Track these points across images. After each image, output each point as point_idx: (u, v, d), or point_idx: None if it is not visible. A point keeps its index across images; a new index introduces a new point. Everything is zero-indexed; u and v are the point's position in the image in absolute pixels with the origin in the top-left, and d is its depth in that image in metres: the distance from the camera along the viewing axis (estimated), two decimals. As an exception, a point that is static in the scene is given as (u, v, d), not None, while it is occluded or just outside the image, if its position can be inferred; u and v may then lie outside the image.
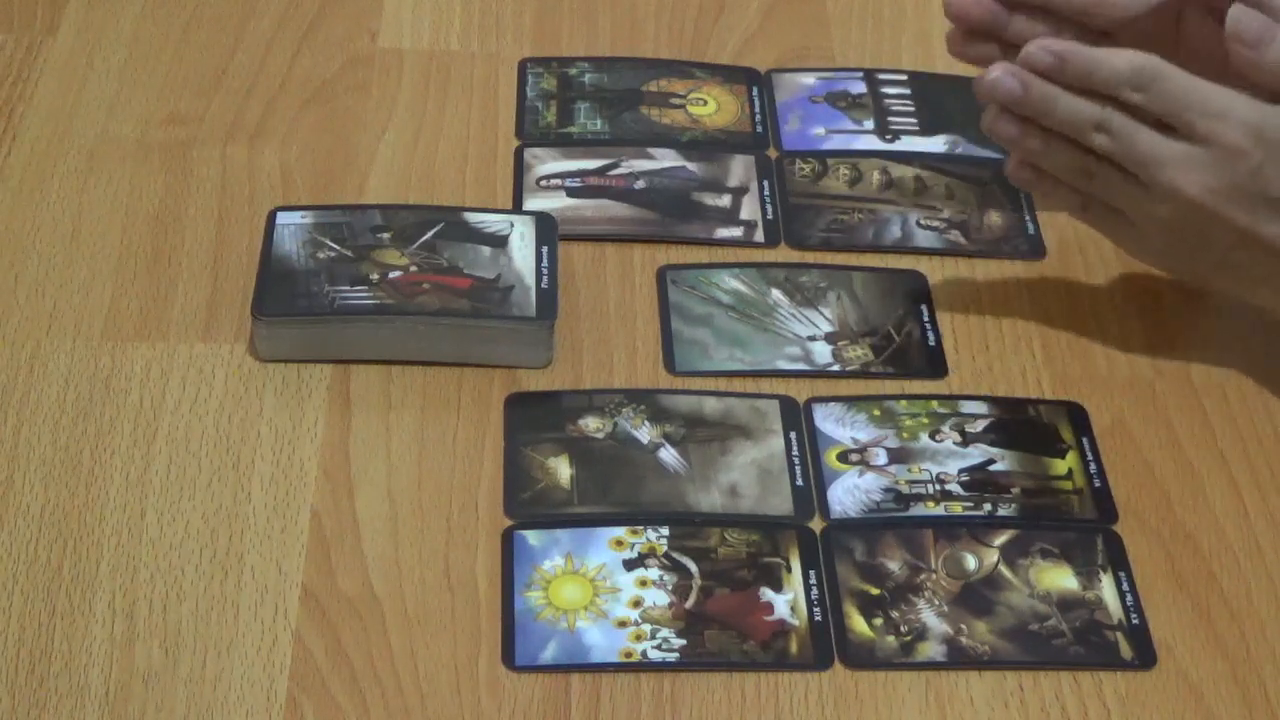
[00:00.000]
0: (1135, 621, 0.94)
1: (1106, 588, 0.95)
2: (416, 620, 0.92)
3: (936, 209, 1.17)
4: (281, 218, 1.10)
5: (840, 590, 0.94)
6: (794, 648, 0.92)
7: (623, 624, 0.92)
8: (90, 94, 1.22)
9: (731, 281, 1.11)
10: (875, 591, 0.94)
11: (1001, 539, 0.97)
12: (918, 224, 1.16)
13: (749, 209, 1.16)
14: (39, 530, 0.95)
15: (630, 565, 0.95)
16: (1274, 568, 0.97)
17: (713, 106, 1.23)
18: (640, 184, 1.17)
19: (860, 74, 1.27)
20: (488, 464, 1.00)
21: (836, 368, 1.06)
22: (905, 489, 0.99)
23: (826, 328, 1.09)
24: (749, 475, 1.00)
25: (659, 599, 0.93)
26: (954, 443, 1.02)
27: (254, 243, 1.10)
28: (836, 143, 1.22)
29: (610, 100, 1.24)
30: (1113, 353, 1.08)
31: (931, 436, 1.02)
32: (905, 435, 1.02)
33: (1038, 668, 0.92)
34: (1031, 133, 1.03)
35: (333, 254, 1.07)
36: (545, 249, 1.09)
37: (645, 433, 1.02)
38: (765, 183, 1.18)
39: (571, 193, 1.16)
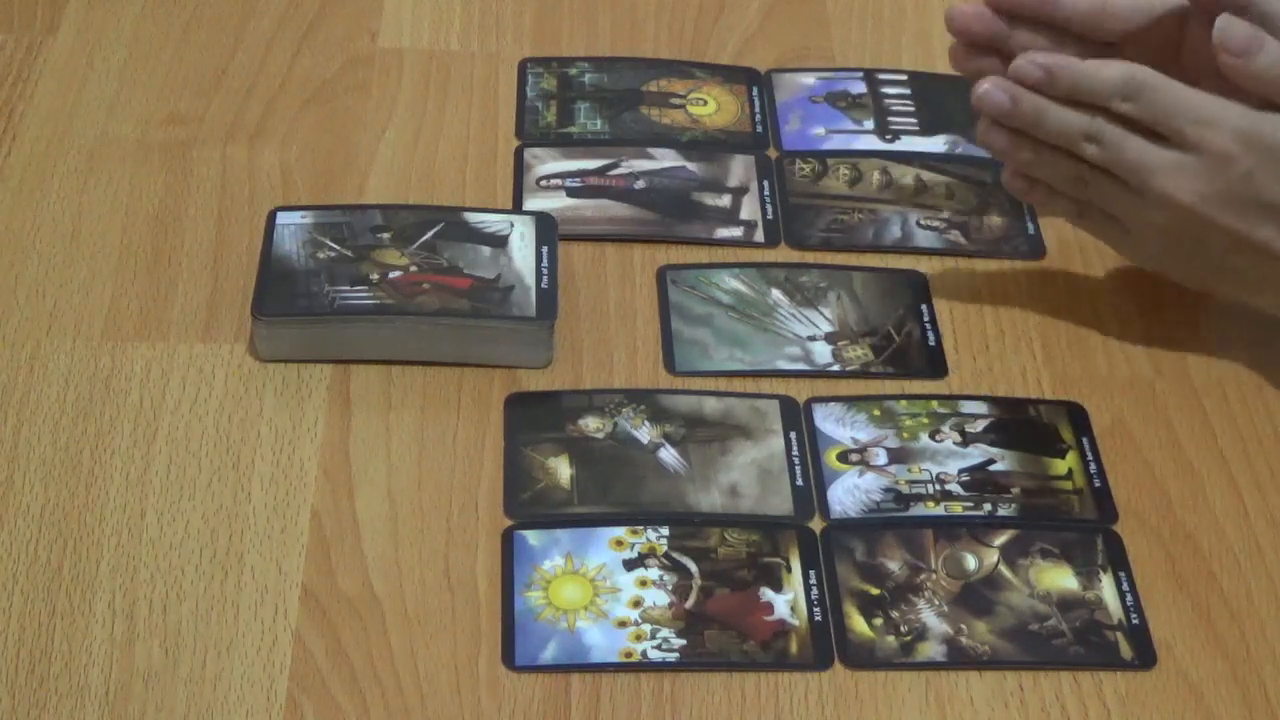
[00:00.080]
0: (1135, 621, 0.94)
1: (1106, 588, 0.95)
2: (416, 620, 0.92)
3: (936, 209, 1.17)
4: (281, 218, 1.10)
5: (840, 590, 0.94)
6: (794, 648, 0.92)
7: (623, 624, 0.92)
8: (90, 94, 1.22)
9: (731, 281, 1.11)
10: (875, 591, 0.94)
11: (1001, 539, 0.97)
12: (918, 224, 1.16)
13: (749, 209, 1.16)
14: (39, 530, 0.95)
15: (630, 565, 0.95)
16: (1274, 568, 0.97)
17: (713, 106, 1.23)
18: (640, 184, 1.17)
19: (860, 74, 1.27)
20: (488, 464, 1.00)
21: (836, 368, 1.06)
22: (905, 489, 0.99)
23: (826, 328, 1.09)
24: (749, 475, 1.00)
25: (659, 599, 0.93)
26: (954, 443, 1.02)
27: (254, 243, 1.10)
28: (836, 143, 1.22)
29: (610, 100, 1.24)
30: (1113, 353, 1.08)
31: (931, 436, 1.02)
32: (905, 435, 1.02)
33: (1038, 668, 0.92)
34: (1023, 144, 1.05)
35: (333, 254, 1.07)
36: (545, 249, 1.09)
37: (645, 433, 1.02)
38: (765, 183, 1.18)
39: (571, 193, 1.16)
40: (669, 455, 1.00)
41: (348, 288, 1.05)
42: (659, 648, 0.91)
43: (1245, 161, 1.00)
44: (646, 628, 0.92)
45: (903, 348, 1.08)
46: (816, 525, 0.98)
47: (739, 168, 1.19)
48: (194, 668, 0.89)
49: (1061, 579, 0.95)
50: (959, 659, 0.92)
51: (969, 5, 1.06)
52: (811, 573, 0.95)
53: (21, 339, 1.05)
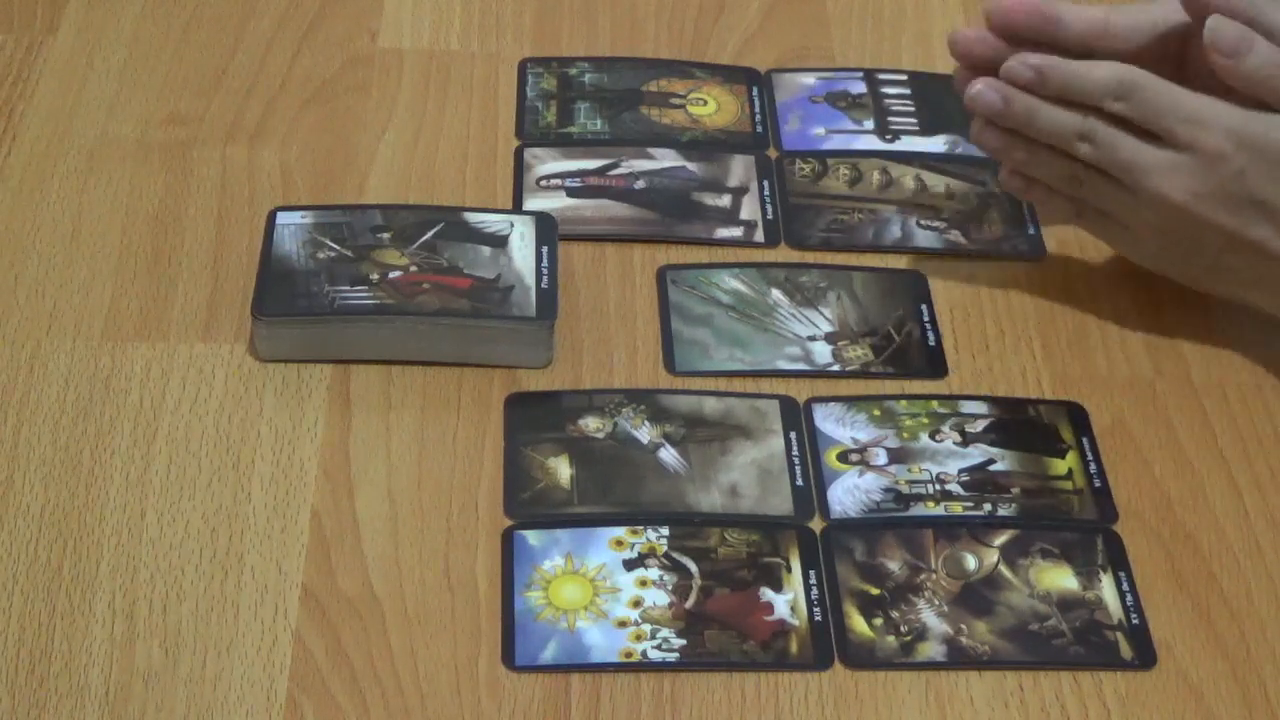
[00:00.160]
0: (1135, 621, 0.94)
1: (1106, 588, 0.95)
2: (416, 620, 0.92)
3: (936, 209, 1.17)
4: (281, 218, 1.10)
5: (840, 590, 0.94)
6: (794, 648, 0.92)
7: (623, 624, 0.92)
8: (90, 94, 1.22)
9: (731, 281, 1.11)
10: (875, 591, 0.94)
11: (1001, 539, 0.97)
12: (918, 224, 1.16)
13: (749, 209, 1.16)
14: (39, 530, 0.95)
15: (630, 565, 0.95)
16: (1274, 568, 0.97)
17: (713, 106, 1.23)
18: (640, 184, 1.17)
19: (860, 74, 1.27)
20: (488, 464, 1.00)
21: (836, 368, 1.06)
22: (905, 489, 0.99)
23: (826, 328, 1.09)
24: (749, 475, 1.00)
25: (659, 599, 0.93)
26: (954, 443, 1.02)
27: (254, 243, 1.10)
28: (836, 143, 1.22)
29: (610, 100, 1.24)
30: (1113, 353, 1.08)
31: (931, 436, 1.02)
32: (905, 435, 1.02)
33: (1038, 668, 0.92)
34: (1017, 144, 1.06)
35: (333, 254, 1.07)
36: (545, 249, 1.09)
37: (645, 433, 1.02)
38: (765, 183, 1.18)
39: (571, 193, 1.16)
40: (669, 455, 1.00)
41: (348, 288, 1.05)
42: (659, 648, 0.91)
43: (1237, 160, 1.01)
44: (646, 628, 0.92)
45: (903, 348, 1.08)
46: (816, 525, 0.98)
47: (739, 168, 1.19)
48: (194, 668, 0.89)
49: (1061, 579, 0.95)
50: (959, 659, 0.92)
51: (971, 29, 1.07)
52: (811, 573, 0.95)
53: (21, 339, 1.05)
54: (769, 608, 0.93)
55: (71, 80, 1.23)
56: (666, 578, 0.94)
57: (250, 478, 0.98)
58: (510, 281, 1.06)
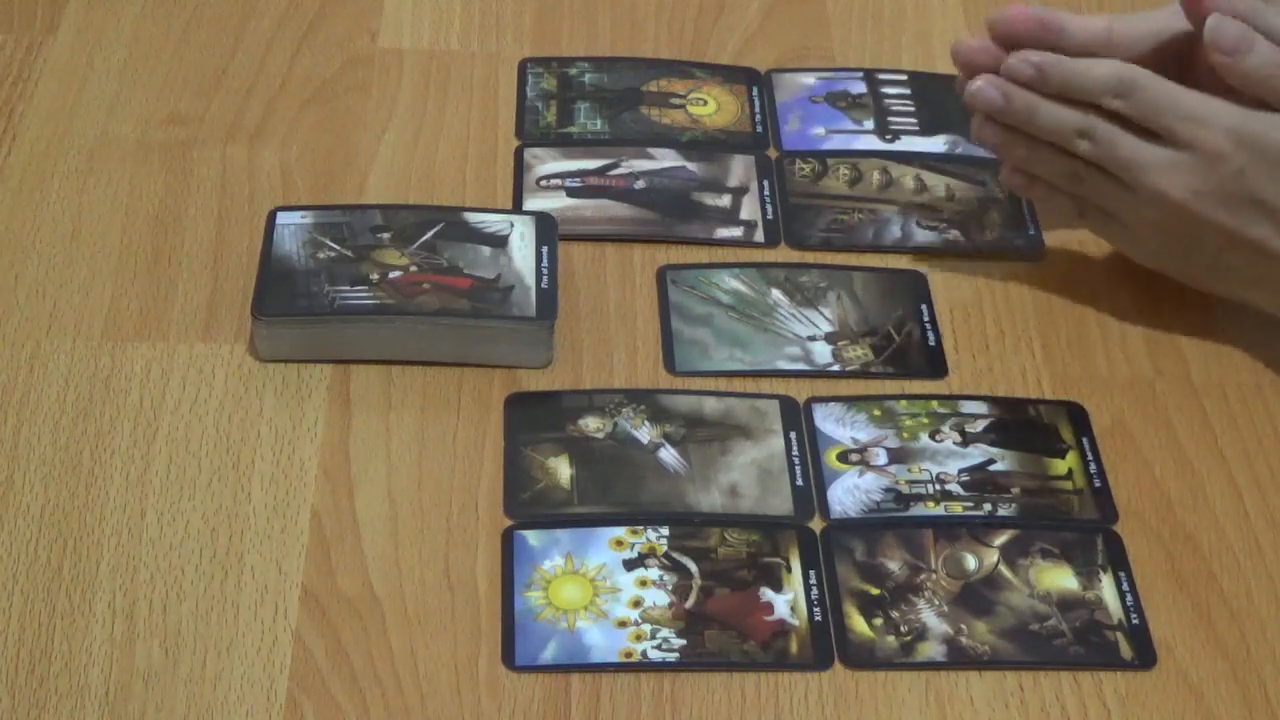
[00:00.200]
0: (1135, 621, 0.94)
1: (1106, 588, 0.95)
2: (416, 620, 0.92)
3: (936, 209, 1.17)
4: (281, 218, 1.10)
5: (840, 590, 0.94)
6: (794, 648, 0.92)
7: (623, 624, 0.92)
8: (90, 94, 1.22)
9: (731, 281, 1.11)
10: (875, 591, 0.94)
11: (1001, 539, 0.97)
12: (918, 224, 1.16)
13: (749, 209, 1.16)
14: (39, 530, 0.95)
15: (630, 565, 0.95)
16: (1274, 568, 0.97)
17: (713, 106, 1.23)
18: (640, 184, 1.17)
19: (860, 74, 1.27)
20: (488, 464, 1.00)
21: (836, 368, 1.06)
22: (905, 489, 0.99)
23: (826, 328, 1.09)
24: (749, 475, 1.00)
25: (659, 599, 0.93)
26: (954, 443, 1.02)
27: (254, 243, 1.10)
28: (836, 143, 1.22)
29: (610, 100, 1.24)
30: (1113, 353, 1.08)
31: (931, 436, 1.02)
32: (905, 435, 1.02)
33: (1038, 668, 0.92)
34: (1018, 140, 1.07)
35: (333, 254, 1.07)
36: (545, 249, 1.09)
37: (645, 433, 1.02)
38: (765, 183, 1.18)
39: (571, 193, 1.16)
40: (669, 455, 1.00)
41: (348, 288, 1.05)
42: (659, 648, 0.91)
43: (1237, 159, 1.01)
44: (646, 628, 0.92)
45: (903, 348, 1.08)
46: (816, 525, 0.98)
47: (739, 168, 1.19)
48: (194, 668, 0.89)
49: (1061, 579, 0.95)
50: (959, 659, 0.92)
51: (974, 40, 1.07)
52: (811, 573, 0.95)
53: (21, 339, 1.05)
54: (769, 608, 0.93)
55: (71, 80, 1.23)
56: (666, 578, 0.94)
57: (250, 478, 0.98)
58: (510, 281, 1.06)
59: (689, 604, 0.93)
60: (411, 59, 1.26)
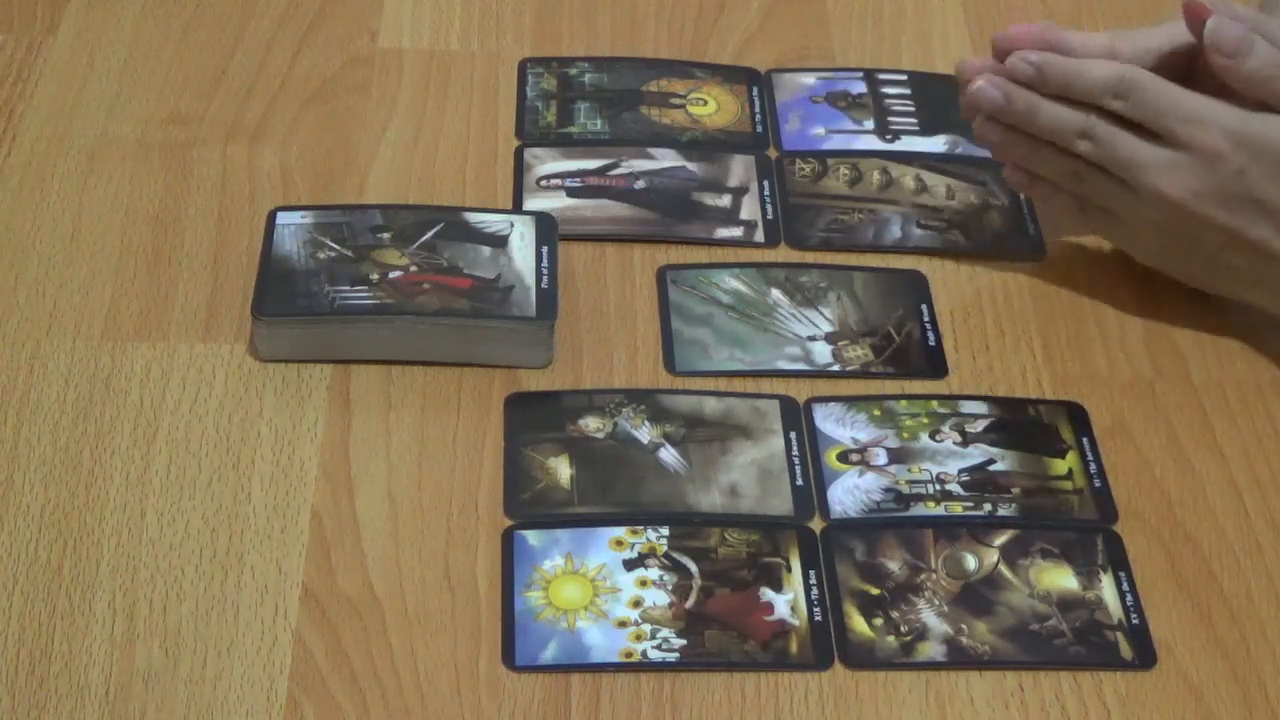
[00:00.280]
0: (1135, 621, 0.94)
1: (1106, 588, 0.95)
2: (416, 620, 0.92)
3: (936, 209, 1.17)
4: (281, 218, 1.10)
5: (840, 590, 0.94)
6: (794, 648, 0.92)
7: (623, 624, 0.92)
8: (90, 94, 1.22)
9: (731, 281, 1.11)
10: (875, 591, 0.94)
11: (1001, 539, 0.97)
12: (918, 224, 1.16)
13: (749, 209, 1.16)
14: (39, 530, 0.95)
15: (630, 565, 0.95)
16: (1274, 568, 0.97)
17: (713, 106, 1.23)
18: (640, 184, 1.17)
19: (860, 74, 1.27)
20: (488, 464, 1.00)
21: (836, 368, 1.06)
22: (905, 489, 0.99)
23: (826, 328, 1.09)
24: (749, 475, 1.00)
25: (659, 599, 0.93)
26: (954, 443, 1.02)
27: (254, 243, 1.10)
28: (836, 143, 1.22)
29: (610, 100, 1.24)
30: (1113, 353, 1.08)
31: (931, 436, 1.02)
32: (905, 435, 1.02)
33: (1038, 668, 0.92)
34: (1019, 140, 1.07)
35: (333, 254, 1.07)
36: (545, 249, 1.09)
37: (645, 433, 1.02)
38: (765, 183, 1.18)
39: (571, 193, 1.16)
40: (669, 455, 1.00)
41: (348, 288, 1.05)
42: (659, 648, 0.91)
43: (1236, 160, 1.01)
44: (646, 628, 0.92)
45: (903, 348, 1.08)
46: (816, 525, 0.98)
47: (739, 168, 1.19)
48: (194, 668, 0.89)
49: (1061, 579, 0.95)
50: (959, 659, 0.92)
51: (977, 59, 1.08)
52: (811, 573, 0.95)
53: (21, 339, 1.05)
54: (769, 608, 0.93)
55: (71, 80, 1.23)
56: (666, 578, 0.94)
57: (250, 478, 0.98)
58: (510, 281, 1.06)
59: (689, 604, 0.93)
60: (411, 59, 1.26)
